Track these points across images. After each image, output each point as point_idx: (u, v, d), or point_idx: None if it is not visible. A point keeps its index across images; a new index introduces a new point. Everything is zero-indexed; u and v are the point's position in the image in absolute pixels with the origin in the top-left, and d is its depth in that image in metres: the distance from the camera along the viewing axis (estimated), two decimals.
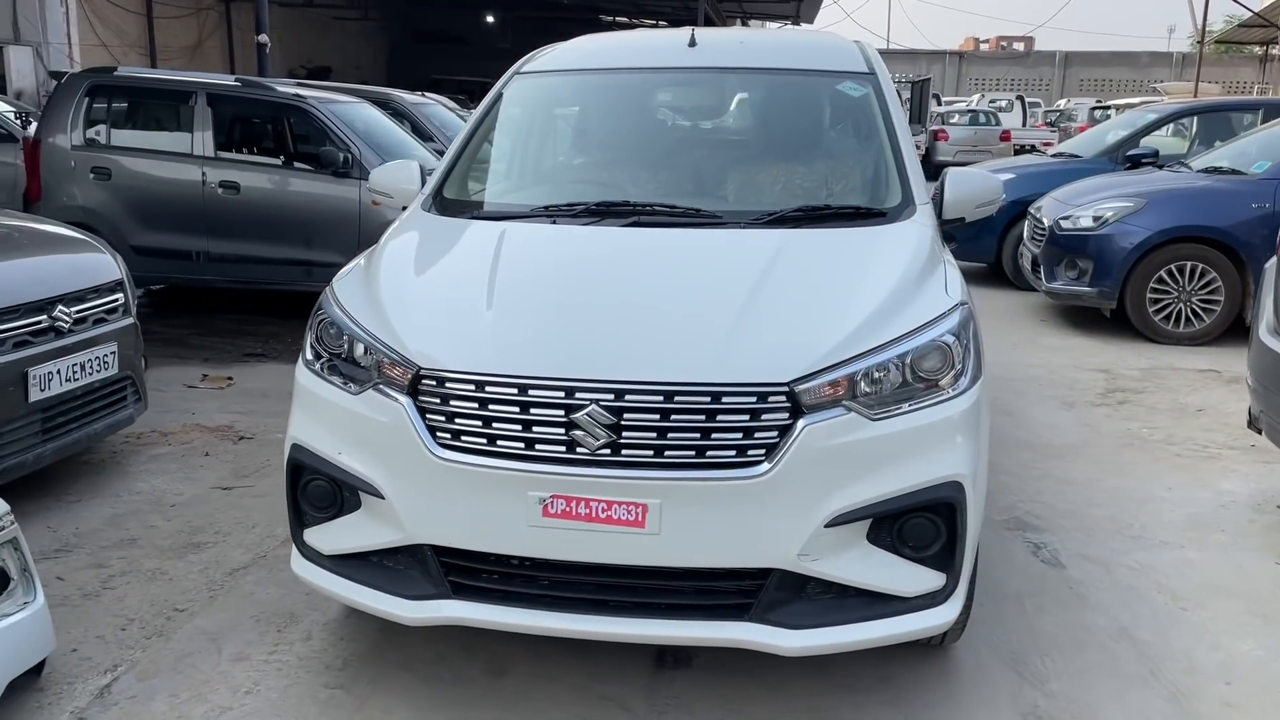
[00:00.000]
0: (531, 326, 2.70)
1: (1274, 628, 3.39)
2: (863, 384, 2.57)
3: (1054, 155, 10.30)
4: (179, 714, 2.82)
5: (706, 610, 2.60)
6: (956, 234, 9.48)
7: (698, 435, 2.49)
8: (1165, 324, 7.24)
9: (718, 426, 2.49)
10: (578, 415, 2.49)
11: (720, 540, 2.52)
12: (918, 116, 23.67)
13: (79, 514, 4.26)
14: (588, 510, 2.51)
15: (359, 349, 2.75)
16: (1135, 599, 3.56)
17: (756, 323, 2.64)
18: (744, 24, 37.65)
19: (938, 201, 3.53)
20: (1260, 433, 4.25)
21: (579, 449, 2.50)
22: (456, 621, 2.66)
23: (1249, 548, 3.99)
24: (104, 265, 4.72)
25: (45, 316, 4.22)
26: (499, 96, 3.98)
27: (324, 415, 2.78)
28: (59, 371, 4.24)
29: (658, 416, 2.49)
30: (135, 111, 8.51)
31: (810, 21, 32.82)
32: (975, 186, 3.54)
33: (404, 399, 2.62)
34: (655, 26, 38.53)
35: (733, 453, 2.49)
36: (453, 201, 3.51)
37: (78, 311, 4.39)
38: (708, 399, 2.49)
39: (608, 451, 2.49)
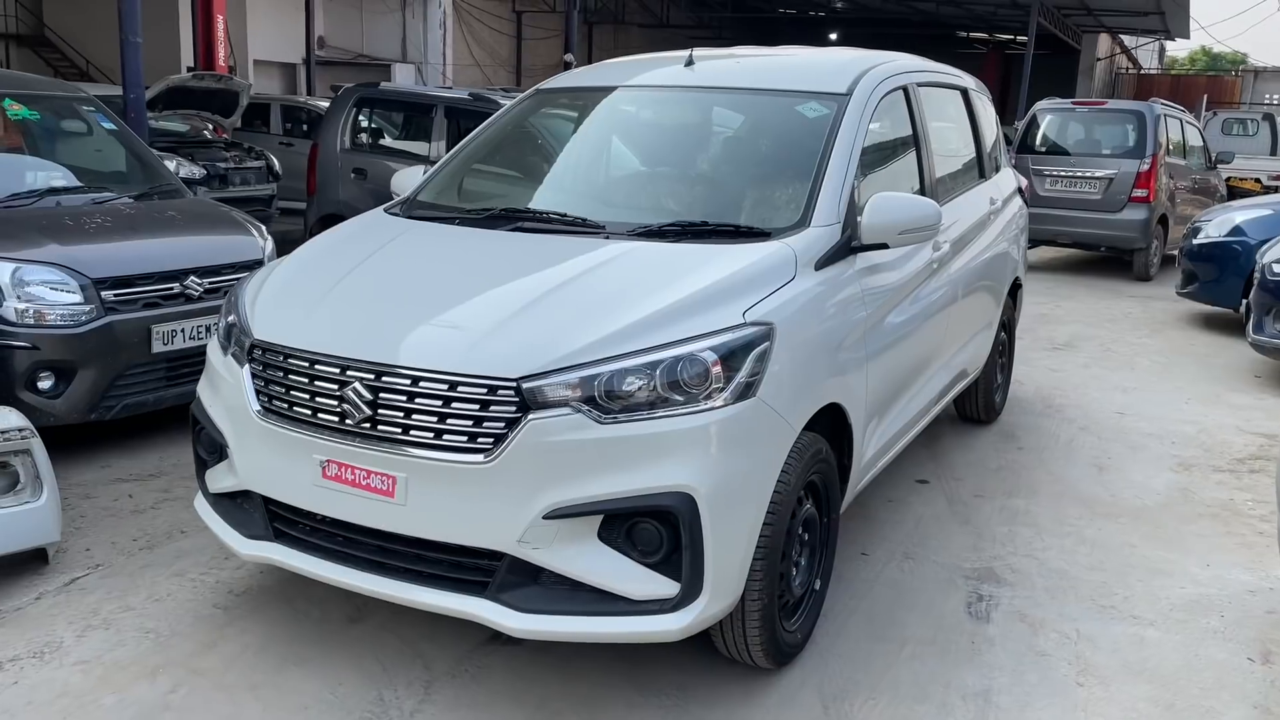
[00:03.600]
0: (338, 310, 3.05)
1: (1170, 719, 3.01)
2: (601, 387, 2.68)
3: None
4: (94, 607, 3.45)
5: (452, 582, 2.82)
6: (1199, 275, 8.58)
7: (436, 419, 2.73)
8: None
9: (453, 413, 2.72)
10: (345, 390, 2.82)
11: (454, 518, 2.74)
12: (1272, 147, 21.08)
13: (187, 450, 5.12)
14: (353, 476, 2.83)
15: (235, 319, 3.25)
16: (1034, 665, 3.28)
17: (520, 322, 2.82)
18: (1114, 38, 34.99)
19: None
20: None
21: (348, 420, 2.83)
22: (272, 562, 3.08)
23: (1231, 638, 3.49)
24: (248, 246, 5.60)
25: (177, 284, 5.13)
26: (510, 108, 4.36)
27: (211, 376, 3.31)
28: (183, 330, 5.13)
29: (405, 398, 2.76)
30: (390, 120, 9.75)
31: (1184, 35, 29.92)
32: (900, 212, 3.42)
33: (246, 365, 3.08)
34: (1010, 42, 36.74)
35: (464, 438, 2.71)
36: (417, 203, 3.93)
37: (210, 282, 5.28)
38: (445, 387, 2.72)
39: (368, 425, 2.80)
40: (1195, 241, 8.81)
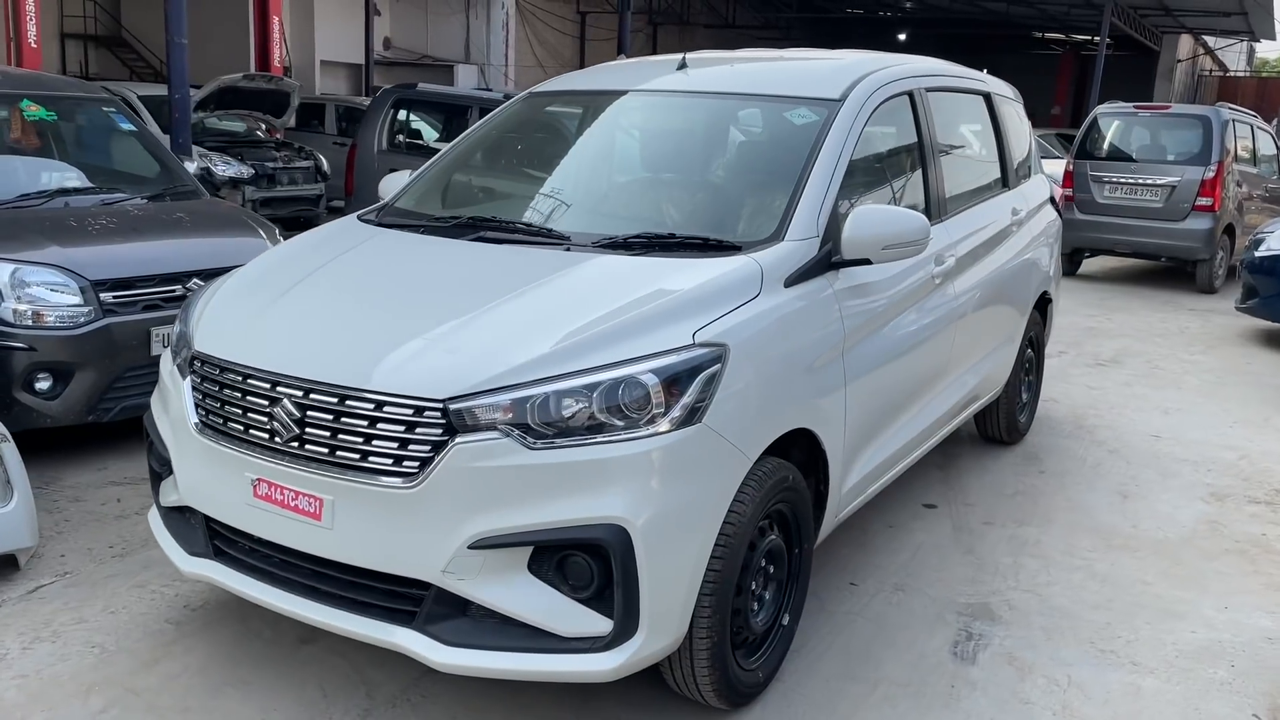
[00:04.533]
0: (277, 323, 2.94)
1: None
2: (534, 410, 2.53)
3: None
4: (48, 618, 3.40)
5: (382, 611, 2.69)
6: (1259, 289, 8.15)
7: (362, 440, 2.61)
8: None
9: (379, 434, 2.59)
10: (275, 407, 2.71)
11: (379, 544, 2.61)
12: None
13: None
14: (281, 496, 2.72)
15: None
16: (1016, 714, 3.06)
17: (453, 339, 2.68)
18: (1197, 39, 33.87)
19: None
20: None
21: (277, 438, 2.72)
22: (212, 581, 2.98)
23: (1239, 691, 3.22)
24: (256, 248, 5.52)
25: (180, 286, 5.10)
26: (501, 111, 4.24)
27: (161, 387, 3.23)
28: None
29: (331, 417, 2.64)
30: (427, 121, 9.72)
31: (1270, 36, 28.80)
32: (883, 226, 3.21)
33: (187, 377, 3.00)
34: (1087, 43, 35.72)
35: (390, 461, 2.58)
36: (393, 209, 3.82)
37: None
38: (371, 406, 2.59)
39: (296, 444, 2.69)
40: (1256, 254, 8.39)
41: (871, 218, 3.22)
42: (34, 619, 3.40)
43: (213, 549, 3.00)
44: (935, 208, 4.08)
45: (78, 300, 4.77)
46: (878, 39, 35.44)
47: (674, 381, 2.60)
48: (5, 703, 2.93)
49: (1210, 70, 38.22)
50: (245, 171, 12.15)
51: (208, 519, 3.00)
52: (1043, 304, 5.49)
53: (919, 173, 4.05)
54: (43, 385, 4.71)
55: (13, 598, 3.56)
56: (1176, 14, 26.23)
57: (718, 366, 2.67)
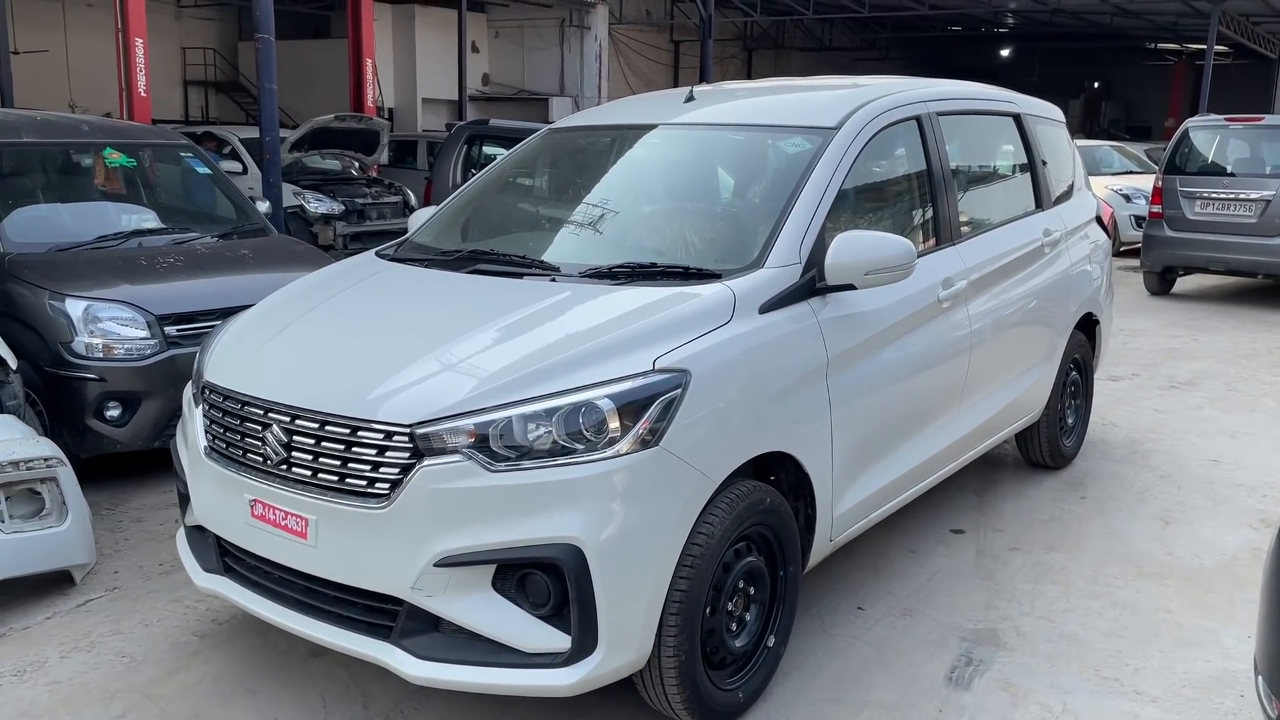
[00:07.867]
0: (275, 355, 3.14)
1: None
2: (496, 434, 2.65)
3: None
4: (89, 630, 3.66)
5: (363, 625, 2.85)
6: None
7: (339, 463, 2.77)
8: None
9: (353, 457, 2.75)
10: (266, 432, 2.90)
11: (356, 561, 2.77)
12: None
13: None
14: (273, 516, 2.90)
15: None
16: None
17: (423, 367, 2.83)
18: None
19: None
20: None
21: (269, 461, 2.91)
22: (221, 596, 3.19)
23: None
24: None
25: None
26: (519, 147, 4.42)
27: (183, 416, 3.46)
28: None
29: (313, 442, 2.82)
30: (500, 155, 10.03)
31: None
32: (865, 251, 3.24)
33: (200, 405, 3.22)
34: (1202, 52, 34.39)
35: (364, 483, 2.74)
36: (409, 243, 4.01)
37: None
38: (347, 431, 2.76)
39: (285, 467, 2.87)
40: None
41: (854, 243, 3.26)
42: (77, 629, 3.66)
43: (223, 565, 3.21)
44: (947, 231, 4.08)
45: (144, 334, 5.10)
46: (979, 56, 34.81)
47: (631, 407, 2.69)
48: (37, 706, 3.18)
49: None
50: (336, 208, 12.68)
51: (218, 537, 3.21)
52: (1088, 325, 5.38)
53: (928, 196, 4.06)
54: (112, 413, 5.05)
55: (63, 610, 3.83)
56: None
57: (677, 392, 2.76)
